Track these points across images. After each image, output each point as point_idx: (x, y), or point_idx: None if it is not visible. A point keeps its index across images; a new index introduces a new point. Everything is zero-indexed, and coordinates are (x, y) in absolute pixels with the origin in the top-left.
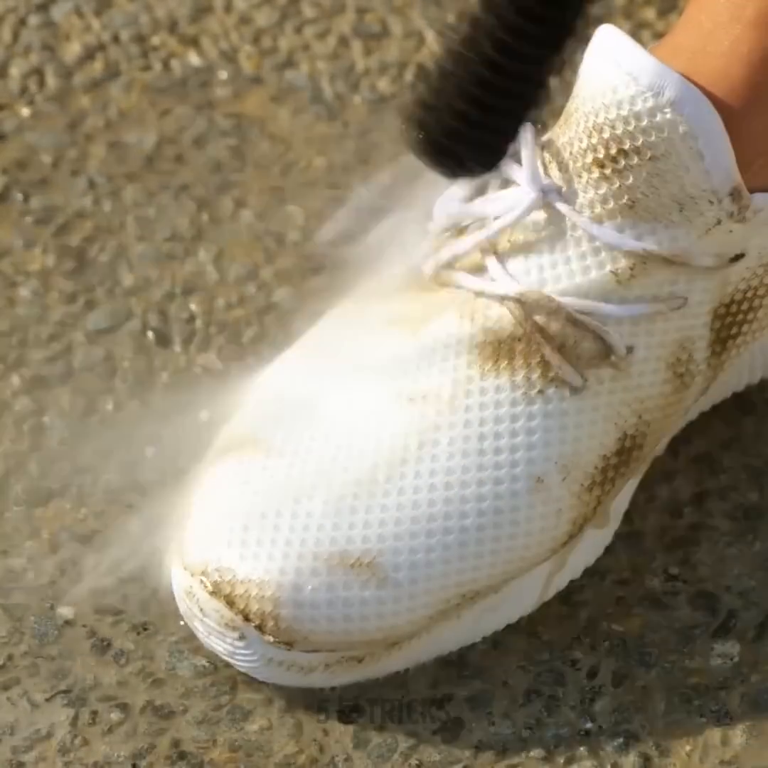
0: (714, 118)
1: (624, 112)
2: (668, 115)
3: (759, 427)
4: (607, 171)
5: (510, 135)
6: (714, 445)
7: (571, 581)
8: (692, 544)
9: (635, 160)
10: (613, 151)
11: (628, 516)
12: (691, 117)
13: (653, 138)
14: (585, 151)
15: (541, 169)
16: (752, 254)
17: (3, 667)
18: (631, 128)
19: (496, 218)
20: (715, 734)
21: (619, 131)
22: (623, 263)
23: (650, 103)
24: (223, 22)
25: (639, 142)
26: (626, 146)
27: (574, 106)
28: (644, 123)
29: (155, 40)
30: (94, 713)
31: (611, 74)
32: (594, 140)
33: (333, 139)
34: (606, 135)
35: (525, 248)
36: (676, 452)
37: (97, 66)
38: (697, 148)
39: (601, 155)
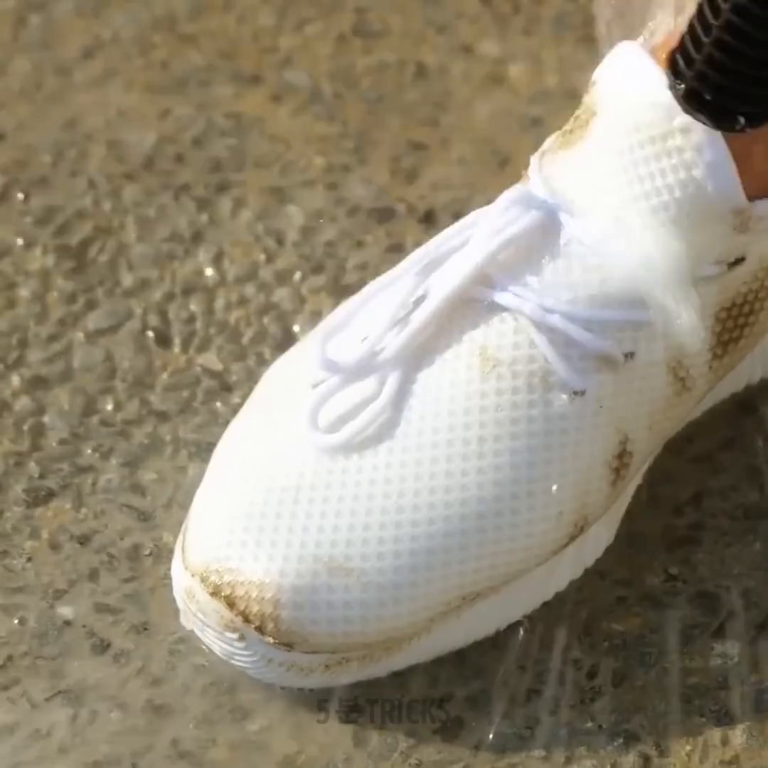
0: (721, 147)
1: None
2: (678, 141)
3: (759, 427)
4: None
5: None
6: (714, 444)
7: (571, 581)
8: (692, 544)
9: None
10: None
11: (628, 516)
12: (698, 145)
13: (662, 163)
14: None
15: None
16: (752, 258)
17: (3, 667)
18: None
19: (498, 228)
20: (714, 734)
21: None
22: (625, 272)
23: (663, 129)
24: (223, 21)
25: None
26: None
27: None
28: (656, 147)
29: (155, 39)
30: (94, 713)
31: (631, 98)
32: None
33: (333, 139)
34: None
35: (527, 255)
36: (676, 452)
37: (97, 65)
38: (701, 176)
39: None
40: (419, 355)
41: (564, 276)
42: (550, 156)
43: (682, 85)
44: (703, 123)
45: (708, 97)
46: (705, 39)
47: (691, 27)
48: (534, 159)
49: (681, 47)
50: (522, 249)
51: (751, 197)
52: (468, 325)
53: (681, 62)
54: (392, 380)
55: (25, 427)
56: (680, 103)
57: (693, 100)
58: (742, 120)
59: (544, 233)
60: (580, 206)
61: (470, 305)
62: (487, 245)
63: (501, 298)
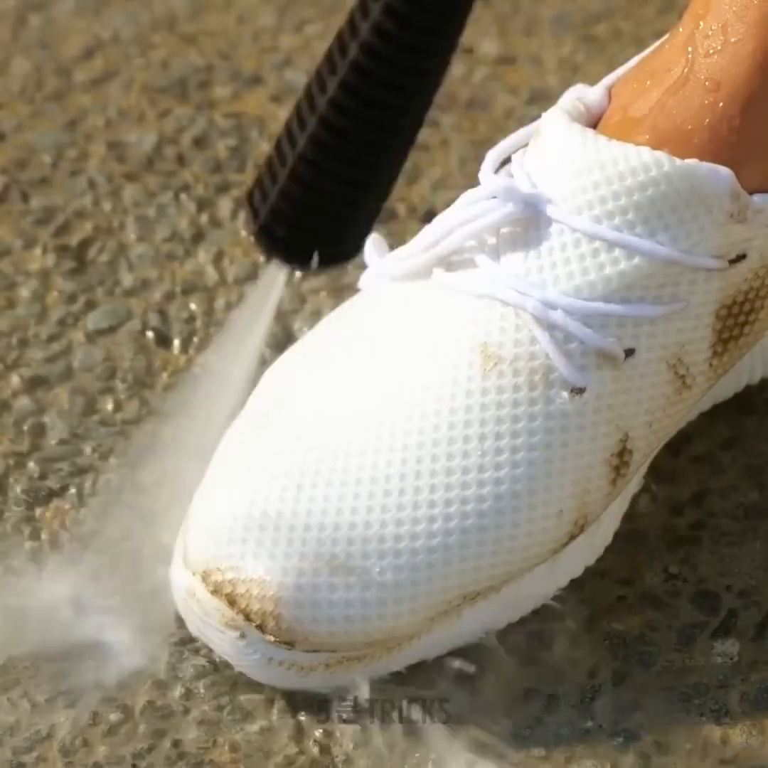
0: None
1: None
2: None
3: (759, 427)
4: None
5: (353, 224)
6: (714, 444)
7: (571, 580)
8: (693, 543)
9: None
10: None
11: (628, 515)
12: None
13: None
14: None
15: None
16: (753, 255)
17: (3, 668)
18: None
19: (493, 219)
20: (714, 733)
21: None
22: (623, 264)
23: None
24: (223, 21)
25: None
26: None
27: None
28: None
29: (155, 39)
30: (95, 714)
31: None
32: None
33: None
34: None
35: (524, 250)
36: (677, 452)
37: (97, 65)
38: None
39: None
40: (417, 350)
41: (562, 267)
42: (528, 150)
43: (257, 224)
44: (278, 260)
45: (281, 234)
46: (280, 170)
47: (267, 161)
48: (515, 156)
49: (257, 182)
50: (518, 242)
51: (752, 190)
52: (468, 321)
53: (257, 198)
54: None
55: (25, 427)
56: (255, 242)
57: (266, 238)
58: (315, 260)
59: (535, 225)
60: (562, 192)
61: (470, 301)
62: (485, 235)
63: (502, 293)
